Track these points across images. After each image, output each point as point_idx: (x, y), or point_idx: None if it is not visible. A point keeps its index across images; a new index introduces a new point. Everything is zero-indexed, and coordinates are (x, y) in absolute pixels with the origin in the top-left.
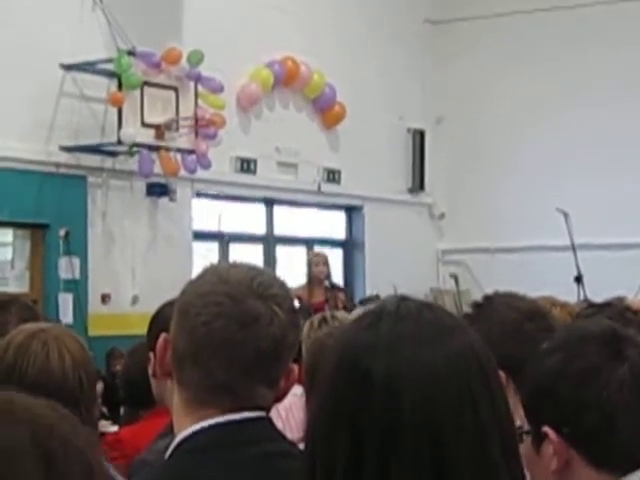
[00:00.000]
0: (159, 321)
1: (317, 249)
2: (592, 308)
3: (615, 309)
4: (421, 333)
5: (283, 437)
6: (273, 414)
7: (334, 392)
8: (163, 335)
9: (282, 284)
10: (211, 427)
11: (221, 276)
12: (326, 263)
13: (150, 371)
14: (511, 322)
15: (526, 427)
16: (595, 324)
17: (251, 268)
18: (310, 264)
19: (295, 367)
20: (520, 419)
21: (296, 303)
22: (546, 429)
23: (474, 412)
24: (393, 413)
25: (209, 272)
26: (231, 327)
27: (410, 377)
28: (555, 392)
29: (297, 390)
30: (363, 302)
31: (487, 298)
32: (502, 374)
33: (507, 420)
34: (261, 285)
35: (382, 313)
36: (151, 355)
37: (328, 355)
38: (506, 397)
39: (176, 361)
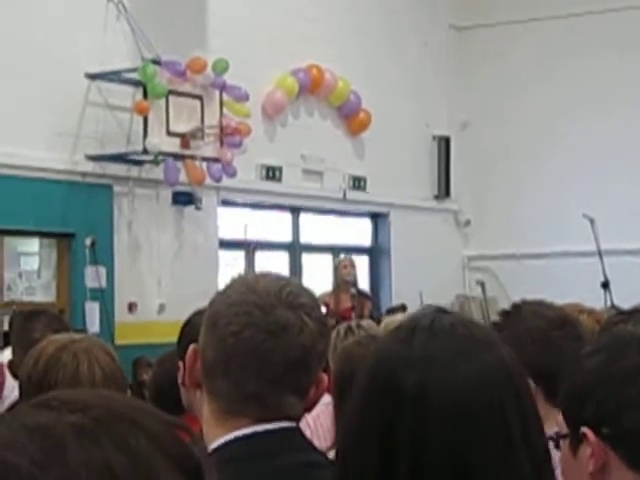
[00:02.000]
0: (189, 330)
1: (342, 256)
2: (621, 315)
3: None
4: (454, 348)
5: (313, 447)
6: (302, 423)
7: (366, 404)
8: (192, 346)
9: (310, 293)
10: (243, 437)
11: (250, 286)
12: (353, 266)
13: (180, 379)
14: (539, 331)
15: (564, 431)
16: (637, 328)
17: (279, 278)
18: (337, 268)
19: (324, 376)
20: (558, 425)
21: (323, 309)
22: (584, 430)
23: (504, 427)
24: (424, 425)
25: (237, 282)
26: (260, 337)
27: (442, 391)
28: (596, 392)
29: (325, 399)
30: (390, 311)
31: (515, 306)
32: (531, 383)
33: (538, 435)
34: (290, 295)
35: (416, 327)
36: (180, 364)
37: (361, 367)
38: (538, 413)
39: (206, 371)
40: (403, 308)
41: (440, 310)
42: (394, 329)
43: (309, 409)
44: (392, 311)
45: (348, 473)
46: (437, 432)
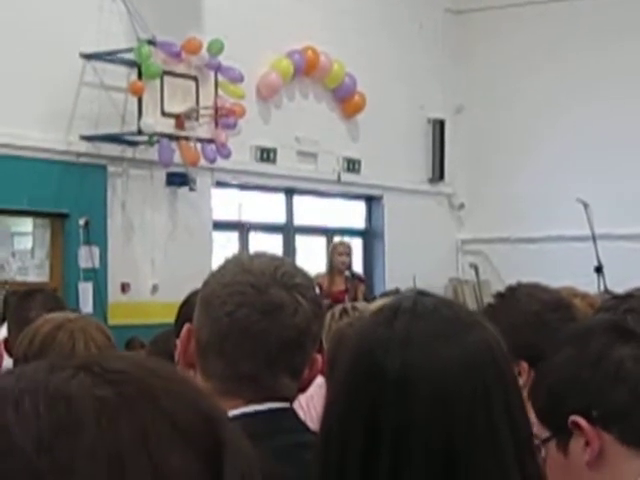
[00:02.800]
0: (186, 310)
1: (337, 239)
2: (615, 299)
3: (637, 300)
4: (437, 329)
5: (307, 428)
6: (295, 404)
7: (348, 387)
8: (186, 325)
9: (305, 274)
10: (236, 417)
11: (244, 266)
12: (349, 253)
13: (176, 359)
14: (534, 313)
15: (544, 435)
16: (599, 318)
17: (274, 258)
18: (333, 252)
19: (319, 357)
20: (536, 429)
21: (316, 290)
22: (575, 418)
23: (487, 409)
24: (406, 408)
25: (232, 262)
26: (254, 316)
27: (424, 373)
28: (575, 380)
29: (319, 380)
30: (383, 296)
31: (510, 289)
32: (525, 364)
33: (522, 418)
34: (285, 275)
35: (399, 309)
36: (177, 343)
37: (344, 349)
38: (522, 395)
39: (200, 351)
40: (397, 292)
41: (422, 293)
42: (376, 311)
43: (303, 390)
44: (386, 295)
45: (331, 454)
46: (420, 415)
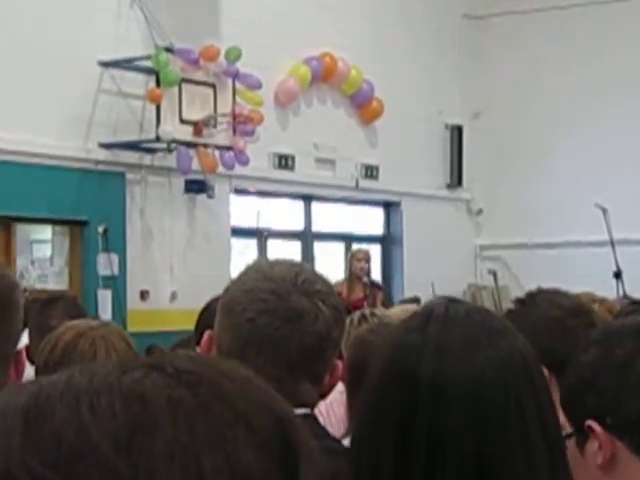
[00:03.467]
0: (207, 317)
1: (355, 245)
2: (634, 305)
3: None
4: (469, 335)
5: (328, 434)
6: (315, 411)
7: (381, 393)
8: (207, 332)
9: (325, 281)
10: None
11: (265, 273)
12: (368, 260)
13: None
14: (554, 319)
15: (567, 430)
16: (630, 320)
17: (294, 265)
18: (352, 259)
19: (339, 363)
20: (562, 424)
21: None
22: (589, 422)
23: (520, 414)
24: (440, 413)
25: (252, 269)
26: (276, 323)
27: (457, 378)
28: (595, 383)
29: (339, 387)
30: (402, 303)
31: (530, 294)
32: (545, 371)
33: (553, 423)
34: (305, 282)
35: (431, 315)
36: (198, 350)
37: (375, 356)
38: (553, 401)
39: (221, 358)
40: (416, 300)
41: (453, 299)
42: (408, 317)
43: (324, 396)
44: (405, 303)
45: (364, 463)
46: (453, 420)
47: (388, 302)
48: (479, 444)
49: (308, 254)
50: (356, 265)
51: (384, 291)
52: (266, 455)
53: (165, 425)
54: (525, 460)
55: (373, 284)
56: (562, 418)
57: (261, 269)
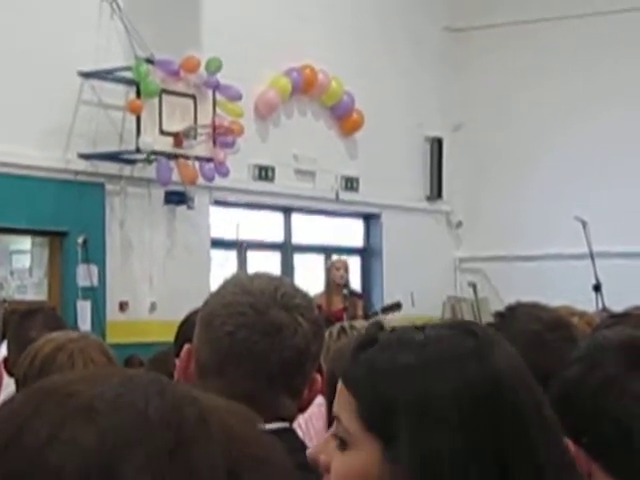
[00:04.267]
0: (186, 329)
1: (335, 257)
2: (613, 318)
3: (634, 319)
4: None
5: (306, 448)
6: (294, 424)
7: (470, 426)
8: (186, 346)
9: (305, 294)
10: None
11: (244, 286)
12: (346, 269)
13: (175, 378)
14: (533, 332)
15: None
16: (616, 334)
17: (273, 278)
18: (331, 269)
19: (318, 377)
20: None
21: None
22: (566, 441)
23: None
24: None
25: (231, 283)
26: (255, 337)
27: (520, 375)
28: (573, 403)
29: (318, 400)
30: (385, 310)
31: (510, 308)
32: None
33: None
34: (285, 295)
35: (474, 328)
36: (177, 362)
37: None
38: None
39: (199, 371)
40: (398, 306)
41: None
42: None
43: (303, 410)
44: (387, 309)
45: None
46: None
47: (368, 311)
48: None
49: (288, 266)
50: (335, 274)
51: (364, 299)
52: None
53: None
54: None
55: (352, 293)
56: None
57: (240, 283)
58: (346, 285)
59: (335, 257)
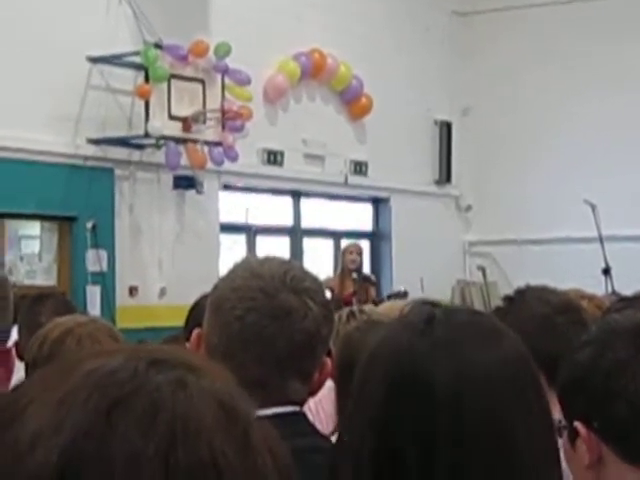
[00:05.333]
0: (196, 314)
1: (345, 241)
2: (623, 302)
3: (636, 303)
4: (476, 337)
5: (317, 432)
6: (304, 408)
7: (390, 408)
8: (196, 330)
9: (314, 278)
10: None
11: (254, 270)
12: (360, 253)
13: None
14: (543, 316)
15: (564, 422)
16: (627, 318)
17: (283, 262)
18: (344, 253)
19: (328, 361)
20: (558, 413)
21: (328, 294)
22: (577, 424)
23: (527, 413)
24: (460, 420)
25: (241, 267)
26: (265, 321)
27: (472, 382)
28: (585, 385)
29: (328, 384)
30: (390, 297)
31: (519, 292)
32: None
33: (550, 419)
34: (294, 279)
35: (432, 320)
36: (187, 346)
37: (374, 365)
38: (547, 397)
39: (209, 355)
40: (405, 294)
41: (431, 302)
42: (403, 324)
43: (313, 394)
44: (393, 297)
45: (381, 472)
46: (472, 423)
47: (378, 297)
48: (495, 445)
49: (297, 250)
50: (348, 258)
51: (375, 285)
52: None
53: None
54: (534, 457)
55: (365, 278)
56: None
57: (250, 267)
58: (358, 270)
59: (349, 241)
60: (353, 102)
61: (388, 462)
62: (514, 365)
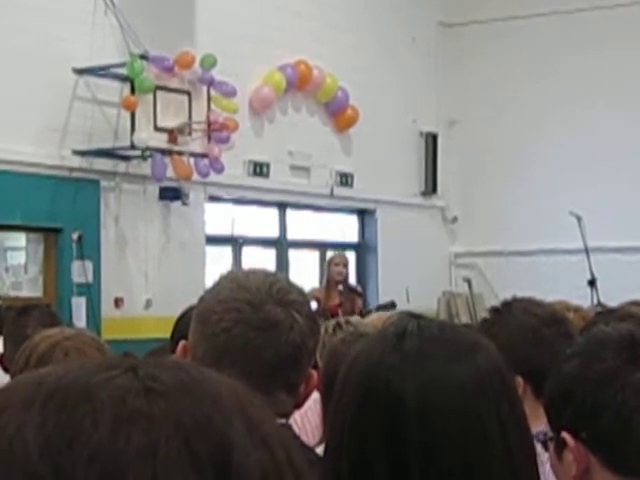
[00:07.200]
0: (182, 326)
1: (330, 253)
2: (599, 315)
3: (616, 315)
4: (447, 351)
5: (302, 444)
6: (289, 420)
7: (365, 418)
8: (182, 342)
9: (300, 290)
10: None
11: (240, 282)
12: (346, 265)
13: None
14: (529, 328)
15: (550, 434)
16: (614, 329)
17: (269, 274)
18: (329, 264)
19: (314, 373)
20: (544, 425)
21: (313, 305)
22: (564, 435)
23: (500, 426)
24: (429, 432)
25: (227, 279)
26: (251, 333)
27: (441, 395)
28: (573, 396)
29: (314, 395)
30: (379, 309)
31: (505, 304)
32: (520, 380)
33: (528, 433)
34: (280, 291)
35: (404, 333)
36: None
37: (349, 375)
38: (524, 410)
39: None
40: (392, 305)
41: (416, 315)
42: (378, 337)
43: (299, 406)
44: (381, 308)
45: None
46: (441, 437)
47: (364, 308)
48: (466, 457)
49: (283, 262)
50: (334, 269)
51: (362, 297)
52: (195, 478)
53: (103, 430)
54: (509, 469)
55: (351, 289)
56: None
57: (236, 279)
58: (344, 281)
59: (334, 253)
60: (339, 113)
61: (364, 473)
62: (486, 377)
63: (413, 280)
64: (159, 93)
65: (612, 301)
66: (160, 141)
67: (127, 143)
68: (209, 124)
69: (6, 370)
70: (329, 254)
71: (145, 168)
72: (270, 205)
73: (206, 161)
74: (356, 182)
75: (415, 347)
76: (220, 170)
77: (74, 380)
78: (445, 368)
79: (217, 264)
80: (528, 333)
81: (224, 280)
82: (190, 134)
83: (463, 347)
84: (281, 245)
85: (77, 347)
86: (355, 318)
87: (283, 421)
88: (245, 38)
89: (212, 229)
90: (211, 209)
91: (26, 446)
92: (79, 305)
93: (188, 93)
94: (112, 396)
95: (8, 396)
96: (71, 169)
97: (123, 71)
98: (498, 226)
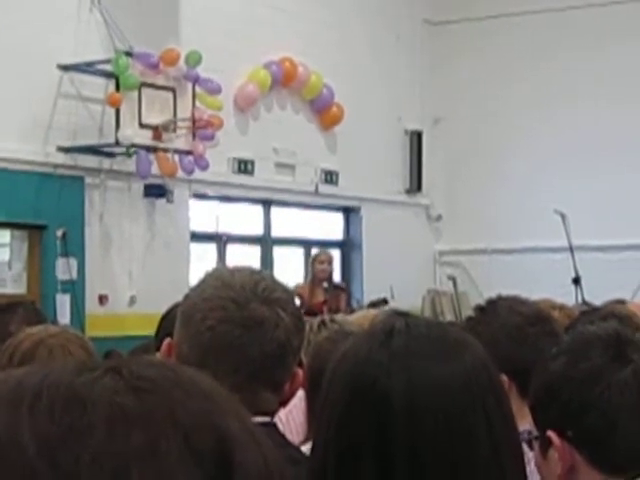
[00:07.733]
0: (167, 324)
1: (315, 250)
2: (583, 314)
3: (601, 314)
4: (434, 349)
5: (288, 443)
6: (274, 418)
7: (352, 417)
8: (167, 340)
9: (285, 288)
10: None
11: (225, 280)
12: (330, 262)
13: None
14: (515, 326)
15: (535, 432)
16: (601, 327)
17: (254, 272)
18: (314, 262)
19: (299, 371)
20: (529, 424)
21: (297, 301)
22: (550, 433)
23: (487, 424)
24: (416, 430)
25: (212, 277)
26: (236, 332)
27: (428, 393)
28: (558, 395)
29: (299, 393)
30: (372, 305)
31: (490, 302)
32: (505, 378)
33: (515, 429)
34: (265, 289)
35: (392, 331)
36: (158, 356)
37: (337, 373)
38: (512, 409)
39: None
40: (385, 302)
41: (403, 313)
42: (366, 334)
43: (284, 404)
44: (375, 304)
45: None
46: (428, 435)
47: (349, 306)
48: (452, 455)
49: (267, 259)
50: (318, 267)
51: (347, 292)
52: (200, 472)
53: (99, 431)
54: (496, 466)
55: (336, 286)
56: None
57: (221, 277)
58: (328, 279)
59: (319, 250)
60: (324, 111)
61: (351, 470)
62: (473, 376)
63: (398, 278)
64: (144, 90)
65: (596, 299)
66: (145, 138)
67: (112, 140)
68: (194, 121)
69: None
70: (314, 251)
71: (130, 165)
72: (255, 202)
73: (191, 158)
74: (341, 180)
75: (403, 345)
76: (205, 167)
77: (57, 381)
78: (432, 366)
79: (202, 261)
80: (513, 331)
81: (209, 278)
82: (175, 131)
83: (451, 345)
84: (266, 242)
85: (61, 345)
86: (340, 316)
87: (268, 419)
88: (230, 35)
89: (197, 226)
90: (196, 206)
91: (21, 444)
92: (63, 302)
93: (173, 90)
94: (102, 396)
95: None
96: (55, 166)
97: (108, 67)
98: (483, 224)
